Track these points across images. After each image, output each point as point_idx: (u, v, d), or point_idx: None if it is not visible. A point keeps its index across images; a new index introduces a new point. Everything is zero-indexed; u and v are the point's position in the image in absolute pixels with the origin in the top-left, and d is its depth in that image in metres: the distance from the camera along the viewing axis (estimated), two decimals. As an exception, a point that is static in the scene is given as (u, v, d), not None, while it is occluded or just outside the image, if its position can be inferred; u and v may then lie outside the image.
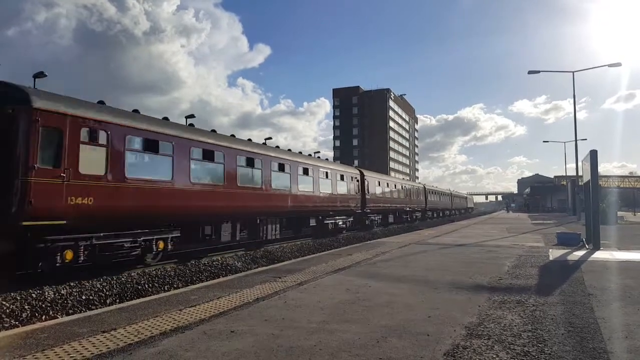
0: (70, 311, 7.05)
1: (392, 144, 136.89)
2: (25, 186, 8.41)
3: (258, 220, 16.58)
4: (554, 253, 11.87)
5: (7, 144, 8.45)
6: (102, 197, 9.81)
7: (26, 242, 8.75)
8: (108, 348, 4.15)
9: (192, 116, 17.90)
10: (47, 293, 7.61)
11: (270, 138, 23.46)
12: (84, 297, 7.73)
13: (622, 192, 61.89)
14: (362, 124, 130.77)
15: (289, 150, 21.43)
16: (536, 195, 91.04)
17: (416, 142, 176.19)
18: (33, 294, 7.48)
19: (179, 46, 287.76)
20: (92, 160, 9.76)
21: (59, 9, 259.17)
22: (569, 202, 49.97)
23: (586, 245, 13.37)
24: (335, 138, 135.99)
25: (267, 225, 17.14)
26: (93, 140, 9.85)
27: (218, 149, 13.94)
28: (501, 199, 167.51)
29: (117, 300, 7.83)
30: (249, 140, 17.41)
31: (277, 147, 20.20)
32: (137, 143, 11.09)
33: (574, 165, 34.85)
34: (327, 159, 26.43)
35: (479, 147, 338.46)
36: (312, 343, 4.26)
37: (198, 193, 12.82)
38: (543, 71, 32.98)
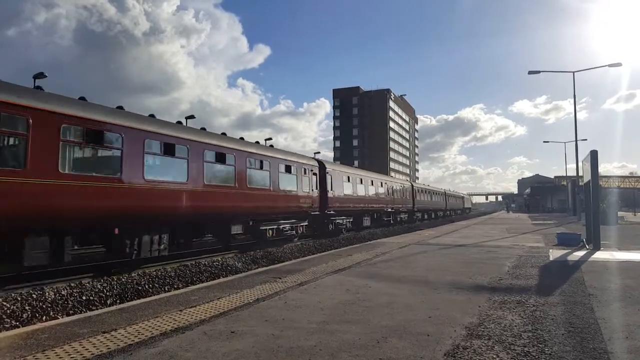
0: (71, 312, 7.05)
1: (392, 145, 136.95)
2: None
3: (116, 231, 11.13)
4: (554, 253, 11.87)
5: None
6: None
7: None
8: (108, 348, 4.15)
9: (192, 117, 17.92)
10: (47, 294, 7.61)
11: (270, 139, 23.51)
12: (84, 298, 7.72)
13: (623, 192, 61.91)
14: (362, 125, 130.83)
15: (226, 135, 16.44)
16: (536, 195, 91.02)
17: (416, 142, 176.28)
18: (33, 295, 7.48)
19: (179, 47, 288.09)
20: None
21: (58, 9, 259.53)
22: (569, 202, 49.95)
23: (586, 246, 13.36)
24: (335, 138, 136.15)
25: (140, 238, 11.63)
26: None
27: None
28: (501, 200, 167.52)
29: (118, 301, 7.83)
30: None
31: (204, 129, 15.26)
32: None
33: (574, 165, 34.82)
34: (271, 146, 20.07)
35: (479, 148, 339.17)
36: (313, 343, 4.26)
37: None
38: (543, 71, 33.05)
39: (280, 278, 8.18)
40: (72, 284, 8.68)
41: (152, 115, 13.25)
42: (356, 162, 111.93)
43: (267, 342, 4.33)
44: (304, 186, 20.26)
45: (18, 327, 5.97)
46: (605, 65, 31.04)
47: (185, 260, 13.30)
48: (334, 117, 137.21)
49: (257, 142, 18.95)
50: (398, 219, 37.04)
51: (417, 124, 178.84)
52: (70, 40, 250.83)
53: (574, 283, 7.44)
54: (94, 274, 10.99)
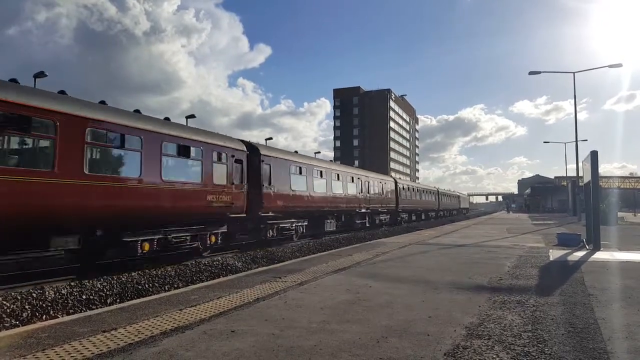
0: (71, 311, 7.05)
1: (392, 145, 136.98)
2: None
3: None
4: (555, 253, 11.86)
5: None
6: None
7: None
8: (108, 348, 4.15)
9: (192, 116, 17.93)
10: (47, 293, 7.61)
11: (270, 138, 23.51)
12: (84, 297, 7.73)
13: (623, 192, 61.93)
14: (363, 125, 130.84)
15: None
16: (537, 195, 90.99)
17: (417, 142, 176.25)
18: (33, 294, 7.48)
19: (180, 46, 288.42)
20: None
21: (59, 8, 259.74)
22: (569, 202, 49.91)
23: (586, 246, 13.36)
24: (335, 138, 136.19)
25: None
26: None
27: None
28: (501, 200, 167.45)
29: (118, 300, 7.83)
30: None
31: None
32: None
33: (575, 166, 34.81)
34: (167, 118, 13.91)
35: (480, 148, 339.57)
36: (313, 343, 4.26)
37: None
38: (544, 72, 33.04)
39: (280, 277, 8.18)
40: (72, 283, 8.69)
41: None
42: (356, 162, 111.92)
43: (267, 341, 4.33)
44: (216, 178, 14.13)
45: (18, 326, 5.98)
46: (606, 66, 31.06)
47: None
48: (335, 117, 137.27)
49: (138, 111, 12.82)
50: (376, 221, 31.85)
51: (417, 124, 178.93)
52: (71, 40, 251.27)
53: (574, 283, 7.44)
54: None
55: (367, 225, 29.41)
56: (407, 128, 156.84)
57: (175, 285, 9.14)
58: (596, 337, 4.41)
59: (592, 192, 13.80)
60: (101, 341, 4.36)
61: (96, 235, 10.69)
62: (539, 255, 11.42)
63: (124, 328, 4.84)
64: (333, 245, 17.17)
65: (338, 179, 24.71)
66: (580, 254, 11.78)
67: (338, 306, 5.83)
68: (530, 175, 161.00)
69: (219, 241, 14.98)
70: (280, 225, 18.59)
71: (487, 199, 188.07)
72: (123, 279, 9.22)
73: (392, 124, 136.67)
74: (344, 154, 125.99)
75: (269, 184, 17.40)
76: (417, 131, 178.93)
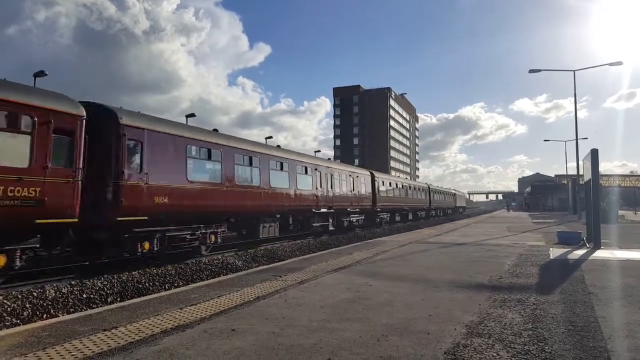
0: (71, 310, 7.07)
1: (392, 143, 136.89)
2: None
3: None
4: (555, 252, 11.86)
5: None
6: None
7: None
8: (109, 346, 4.15)
9: (192, 115, 17.92)
10: (48, 292, 7.63)
11: (270, 137, 23.49)
12: (84, 296, 7.74)
13: (623, 191, 61.76)
14: (363, 123, 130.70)
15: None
16: (537, 194, 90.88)
17: (417, 141, 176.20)
18: (34, 293, 7.49)
19: (179, 45, 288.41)
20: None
21: (58, 7, 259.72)
22: (569, 201, 49.93)
23: (587, 244, 13.36)
24: (335, 137, 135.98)
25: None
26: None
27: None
28: (502, 198, 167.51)
29: (118, 299, 7.84)
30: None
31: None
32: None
33: (575, 164, 34.79)
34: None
35: (480, 146, 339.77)
36: (313, 341, 4.26)
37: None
38: (544, 70, 33.01)
39: (280, 276, 8.18)
40: (73, 282, 8.70)
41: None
42: (357, 161, 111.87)
43: (268, 340, 4.33)
44: (37, 158, 8.95)
45: (19, 324, 5.99)
46: (606, 64, 31.01)
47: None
48: (335, 116, 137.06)
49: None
50: (345, 223, 25.61)
51: (417, 122, 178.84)
52: (70, 39, 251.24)
53: (574, 281, 7.44)
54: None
55: (332, 228, 23.63)
56: (407, 126, 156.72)
57: (176, 284, 9.16)
58: (596, 335, 4.41)
59: (592, 190, 13.80)
60: (102, 340, 4.37)
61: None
62: (539, 254, 11.42)
63: (124, 327, 4.84)
64: (333, 244, 17.19)
65: (281, 168, 18.76)
66: (580, 252, 11.78)
67: (338, 305, 5.83)
68: (531, 173, 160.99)
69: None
70: (170, 235, 12.52)
71: (487, 197, 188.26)
72: (123, 277, 9.24)
73: (392, 123, 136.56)
74: (344, 153, 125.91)
75: (139, 170, 11.49)
76: (417, 130, 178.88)
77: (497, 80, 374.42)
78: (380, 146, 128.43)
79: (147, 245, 11.73)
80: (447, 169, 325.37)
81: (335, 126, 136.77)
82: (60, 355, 3.92)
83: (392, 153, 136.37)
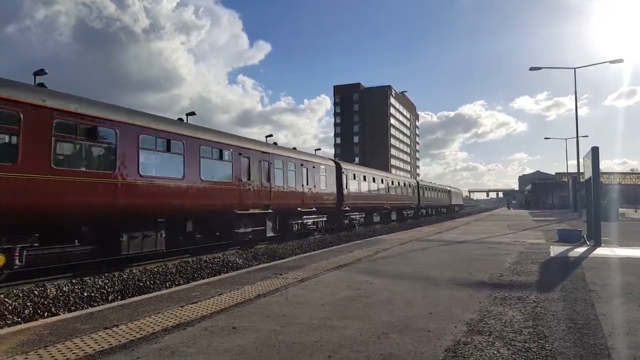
0: (72, 308, 7.08)
1: (393, 141, 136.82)
2: None
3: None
4: (555, 249, 11.86)
5: None
6: None
7: None
8: (110, 344, 4.16)
9: (192, 113, 17.91)
10: (49, 290, 7.64)
11: (270, 135, 23.46)
12: (85, 294, 7.76)
13: (624, 188, 61.70)
14: (363, 121, 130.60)
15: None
16: (537, 192, 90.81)
17: (417, 139, 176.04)
18: (35, 291, 7.51)
19: (179, 43, 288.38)
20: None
21: (58, 6, 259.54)
22: (570, 198, 49.91)
23: (587, 242, 13.36)
24: (336, 135, 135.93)
25: None
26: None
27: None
28: (502, 196, 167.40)
29: (119, 297, 7.86)
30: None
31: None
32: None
33: (575, 162, 34.75)
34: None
35: (480, 144, 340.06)
36: (314, 339, 4.27)
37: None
38: (544, 67, 32.98)
39: (281, 274, 8.19)
40: (74, 280, 8.72)
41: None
42: (357, 159, 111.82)
43: (269, 337, 4.34)
44: None
45: (20, 323, 6.01)
46: (607, 62, 31.04)
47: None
48: (335, 114, 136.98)
49: None
50: (295, 226, 19.90)
51: (418, 120, 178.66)
52: (70, 37, 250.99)
53: (574, 279, 7.44)
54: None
55: (271, 234, 17.88)
56: (408, 124, 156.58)
57: (177, 282, 9.17)
58: (597, 333, 4.41)
59: (592, 188, 13.79)
60: (103, 338, 4.37)
61: None
62: (539, 252, 11.42)
63: (125, 325, 4.85)
64: (334, 242, 17.20)
65: (167, 149, 12.57)
66: (581, 250, 11.78)
67: (339, 302, 5.84)
68: (531, 171, 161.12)
69: None
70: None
71: (487, 195, 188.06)
72: (124, 276, 9.25)
73: (392, 121, 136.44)
74: (344, 151, 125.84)
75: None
76: (418, 127, 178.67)
77: (497, 78, 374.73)
78: (380, 144, 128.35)
79: None
80: (448, 167, 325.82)
81: (335, 124, 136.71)
82: (62, 354, 3.93)
83: (393, 151, 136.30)
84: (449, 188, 66.78)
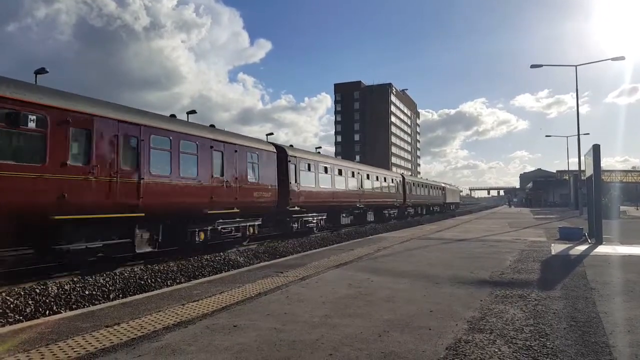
0: (74, 306, 7.09)
1: (394, 139, 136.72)
2: None
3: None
4: (556, 247, 11.85)
5: None
6: None
7: None
8: (112, 343, 4.17)
9: (193, 112, 17.93)
10: (50, 288, 7.65)
11: (271, 134, 23.39)
12: (87, 293, 7.76)
13: (625, 186, 61.73)
14: (364, 119, 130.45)
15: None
16: (538, 189, 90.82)
17: (418, 137, 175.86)
18: (37, 289, 7.52)
19: (180, 41, 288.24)
20: None
21: (58, 4, 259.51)
22: (571, 196, 49.87)
23: (588, 240, 13.35)
24: (336, 133, 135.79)
25: None
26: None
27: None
28: (503, 194, 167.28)
29: (120, 295, 7.87)
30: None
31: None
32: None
33: (577, 159, 34.68)
34: None
35: (481, 142, 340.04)
36: (315, 337, 4.27)
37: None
38: (545, 65, 32.85)
39: (282, 272, 8.19)
40: (75, 279, 8.73)
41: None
42: (358, 157, 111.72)
43: (270, 335, 4.34)
44: None
45: (22, 321, 6.01)
46: (608, 59, 30.91)
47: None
48: (336, 112, 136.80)
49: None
50: (199, 236, 13.73)
51: (418, 118, 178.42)
52: (71, 36, 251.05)
53: (576, 277, 7.43)
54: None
55: (147, 249, 11.88)
56: (409, 122, 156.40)
57: (178, 281, 9.18)
58: (598, 331, 4.41)
59: (594, 186, 13.77)
60: (104, 336, 4.38)
61: None
62: (540, 250, 11.41)
63: (126, 323, 4.85)
64: (335, 240, 17.20)
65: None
66: (582, 248, 11.77)
67: (340, 300, 5.84)
68: (532, 169, 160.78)
69: None
70: None
71: (488, 193, 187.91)
72: (125, 274, 9.26)
73: (393, 119, 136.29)
74: (345, 149, 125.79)
75: None
76: (419, 125, 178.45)
77: (498, 76, 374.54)
78: (381, 142, 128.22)
79: None
80: (449, 165, 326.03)
81: (336, 122, 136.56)
82: (63, 352, 3.94)
83: (394, 149, 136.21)
84: (443, 184, 60.96)
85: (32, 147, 9.09)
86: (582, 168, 27.79)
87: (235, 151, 15.26)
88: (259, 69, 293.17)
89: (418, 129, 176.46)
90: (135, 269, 9.95)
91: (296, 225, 19.80)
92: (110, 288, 8.21)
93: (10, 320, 6.18)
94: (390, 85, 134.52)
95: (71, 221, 9.62)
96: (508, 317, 4.94)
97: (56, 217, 9.27)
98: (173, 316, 5.12)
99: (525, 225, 22.89)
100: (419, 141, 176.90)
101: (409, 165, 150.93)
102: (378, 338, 4.23)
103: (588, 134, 50.48)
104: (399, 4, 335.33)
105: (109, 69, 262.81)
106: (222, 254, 12.73)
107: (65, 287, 7.80)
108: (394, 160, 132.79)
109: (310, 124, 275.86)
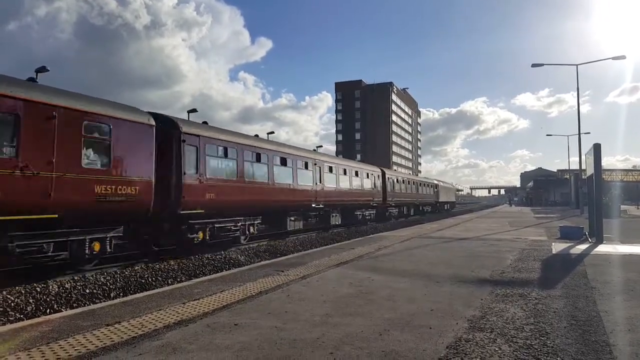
0: (75, 305, 7.10)
1: (394, 138, 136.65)
2: None
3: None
4: (557, 247, 11.85)
5: None
6: None
7: None
8: (112, 341, 4.17)
9: (194, 110, 17.91)
10: (51, 287, 7.67)
11: (272, 132, 23.41)
12: (87, 291, 7.78)
13: (625, 185, 61.73)
14: (365, 118, 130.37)
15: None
16: (539, 189, 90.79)
17: (419, 136, 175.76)
18: (37, 288, 7.54)
19: (180, 40, 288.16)
20: None
21: (59, 3, 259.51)
22: (572, 195, 49.84)
23: (589, 239, 13.34)
24: (337, 132, 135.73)
25: None
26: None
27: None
28: (504, 193, 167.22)
29: (121, 294, 7.87)
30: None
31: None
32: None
33: (577, 158, 34.63)
34: None
35: (482, 141, 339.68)
36: (315, 336, 4.27)
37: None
38: (546, 64, 32.77)
39: (283, 271, 8.20)
40: (76, 277, 8.74)
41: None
42: (358, 156, 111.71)
43: (270, 334, 4.34)
44: None
45: (22, 319, 6.02)
46: (609, 58, 30.81)
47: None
48: (336, 111, 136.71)
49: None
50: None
51: (419, 117, 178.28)
52: (71, 34, 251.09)
53: (576, 276, 7.43)
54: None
55: None
56: (409, 121, 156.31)
57: (179, 279, 9.19)
58: (599, 329, 4.41)
59: (594, 185, 13.76)
60: (105, 335, 4.38)
61: None
62: (541, 249, 11.41)
63: (127, 322, 4.86)
64: (335, 239, 17.20)
65: None
66: (582, 247, 11.77)
67: (340, 299, 5.84)
68: (533, 168, 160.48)
69: None
70: None
71: (489, 192, 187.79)
72: (126, 272, 9.27)
73: (394, 117, 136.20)
74: (345, 148, 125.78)
75: None
76: (419, 124, 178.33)
77: (499, 75, 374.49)
78: (382, 141, 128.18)
79: None
80: (449, 164, 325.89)
81: (337, 121, 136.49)
82: (64, 350, 3.94)
83: (394, 148, 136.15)
84: (435, 181, 54.71)
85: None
86: (583, 167, 27.76)
87: (52, 118, 9.20)
88: (260, 68, 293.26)
89: (419, 128, 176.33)
90: (136, 268, 9.97)
91: (200, 235, 13.47)
92: (111, 287, 8.22)
93: (11, 318, 6.19)
94: (391, 84, 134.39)
95: None
96: (508, 316, 4.94)
97: None
98: (174, 315, 5.13)
99: (525, 224, 22.88)
100: (419, 140, 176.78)
101: (410, 164, 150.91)
102: (379, 337, 4.23)
103: (589, 133, 50.22)
104: (399, 4, 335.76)
105: (109, 67, 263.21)
106: (222, 252, 12.74)
107: (66, 286, 7.82)
108: (394, 159, 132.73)
109: (311, 123, 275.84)
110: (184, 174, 12.62)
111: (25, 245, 8.77)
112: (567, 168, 66.23)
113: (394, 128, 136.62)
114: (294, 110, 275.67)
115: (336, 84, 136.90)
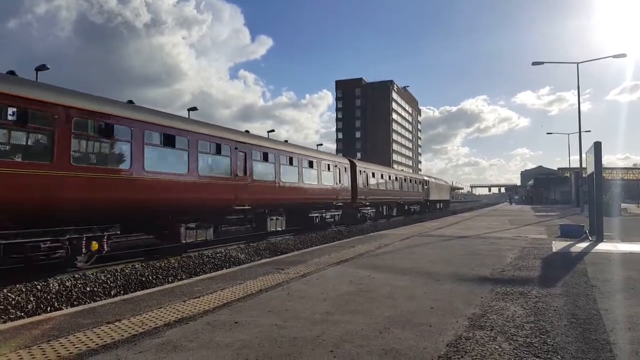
0: (75, 303, 7.11)
1: (395, 136, 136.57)
2: None
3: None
4: (557, 245, 11.85)
5: None
6: None
7: None
8: (113, 339, 4.17)
9: (194, 109, 17.90)
10: (51, 285, 7.67)
11: (272, 130, 23.33)
12: (88, 289, 7.79)
13: (626, 184, 61.61)
14: (365, 116, 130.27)
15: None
16: (539, 187, 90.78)
17: (419, 134, 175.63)
18: (38, 286, 7.54)
19: (180, 38, 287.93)
20: None
21: (59, 1, 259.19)
22: (572, 194, 49.83)
23: (589, 237, 13.34)
24: (337, 130, 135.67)
25: None
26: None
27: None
28: (504, 191, 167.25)
29: (122, 292, 7.88)
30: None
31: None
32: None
33: (578, 157, 34.59)
34: None
35: (482, 139, 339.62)
36: (316, 334, 4.27)
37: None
38: (547, 62, 32.71)
39: (283, 269, 8.20)
40: (76, 275, 8.75)
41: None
42: (359, 154, 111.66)
43: (271, 332, 4.34)
44: None
45: (23, 317, 6.03)
46: (610, 57, 30.70)
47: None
48: (337, 109, 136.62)
49: None
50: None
51: (420, 115, 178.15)
52: (71, 32, 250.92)
53: (576, 274, 7.43)
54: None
55: None
56: (410, 119, 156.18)
57: (179, 277, 9.19)
58: (599, 328, 4.41)
59: (595, 183, 13.75)
60: (105, 332, 4.39)
61: None
62: (541, 247, 11.41)
63: (127, 319, 4.86)
64: (335, 237, 17.21)
65: None
66: (583, 245, 11.77)
67: (341, 297, 5.84)
68: (533, 166, 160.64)
69: None
70: None
71: (489, 190, 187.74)
72: (127, 271, 9.28)
73: (394, 116, 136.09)
74: (346, 146, 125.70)
75: None
76: (420, 122, 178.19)
77: (499, 73, 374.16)
78: (382, 139, 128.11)
79: None
80: (450, 162, 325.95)
81: (337, 119, 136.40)
82: (65, 348, 3.94)
83: (395, 146, 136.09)
84: (426, 177, 48.40)
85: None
86: (584, 165, 27.76)
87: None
88: (260, 66, 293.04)
89: (419, 126, 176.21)
90: (137, 266, 9.97)
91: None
92: (112, 284, 8.23)
93: (11, 316, 6.20)
94: (391, 82, 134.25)
95: None
96: (509, 314, 4.94)
97: None
98: (174, 312, 5.13)
99: (526, 222, 22.89)
100: (420, 138, 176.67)
101: (410, 162, 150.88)
102: (379, 335, 4.23)
103: (589, 131, 50.09)
104: (399, 3, 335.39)
105: (109, 66, 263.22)
106: (223, 250, 12.75)
107: (67, 284, 7.83)
108: (395, 157, 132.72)
109: (311, 121, 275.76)
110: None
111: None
112: (568, 166, 66.18)
113: (395, 126, 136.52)
114: (294, 108, 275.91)
115: (336, 82, 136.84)
